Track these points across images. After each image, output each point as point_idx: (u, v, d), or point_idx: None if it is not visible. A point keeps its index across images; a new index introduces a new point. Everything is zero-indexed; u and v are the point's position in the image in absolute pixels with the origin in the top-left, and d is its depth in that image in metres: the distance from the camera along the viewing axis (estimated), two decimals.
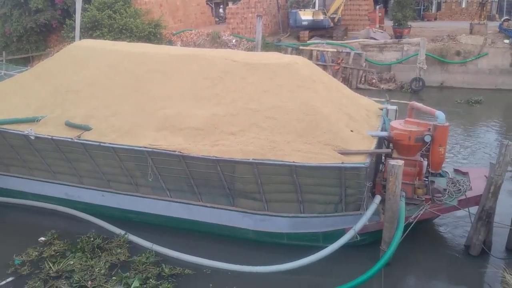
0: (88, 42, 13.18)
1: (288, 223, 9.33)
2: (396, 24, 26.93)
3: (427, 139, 8.97)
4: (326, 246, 8.63)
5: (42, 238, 9.83)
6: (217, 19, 37.33)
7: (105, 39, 21.40)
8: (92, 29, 25.07)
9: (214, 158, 8.64)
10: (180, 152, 8.80)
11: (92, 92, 10.47)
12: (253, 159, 8.52)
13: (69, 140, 9.56)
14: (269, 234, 9.44)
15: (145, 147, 9.06)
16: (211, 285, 8.43)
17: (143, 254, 9.12)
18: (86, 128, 9.75)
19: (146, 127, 9.51)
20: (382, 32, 27.03)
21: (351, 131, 9.23)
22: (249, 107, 9.34)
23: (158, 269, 8.73)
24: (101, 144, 9.33)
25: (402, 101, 12.36)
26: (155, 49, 12.16)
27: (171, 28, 28.96)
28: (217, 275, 8.69)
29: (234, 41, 27.59)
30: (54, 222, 10.54)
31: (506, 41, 24.74)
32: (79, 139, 9.52)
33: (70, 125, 9.86)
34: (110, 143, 9.31)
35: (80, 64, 11.20)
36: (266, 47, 25.17)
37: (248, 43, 27.00)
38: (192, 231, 9.88)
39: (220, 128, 9.12)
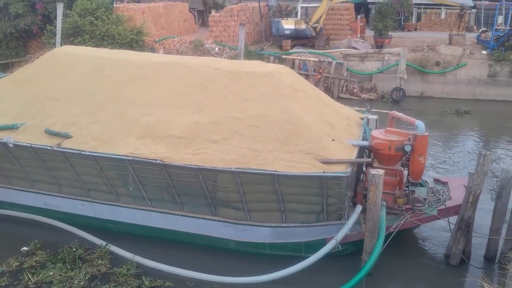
0: (69, 49, 13.05)
1: (270, 233, 9.29)
2: (377, 34, 27.28)
3: (407, 148, 9.06)
4: (308, 256, 8.61)
5: (25, 248, 9.64)
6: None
7: (87, 46, 21.20)
8: (73, 36, 24.79)
9: (196, 167, 8.58)
10: (162, 161, 8.72)
11: (73, 99, 10.34)
12: (235, 168, 8.48)
13: (49, 148, 9.41)
14: (251, 244, 9.39)
15: (126, 156, 8.96)
16: None
17: (124, 266, 8.97)
18: (66, 136, 9.60)
19: (127, 135, 9.41)
20: (363, 42, 27.31)
21: (333, 140, 9.27)
22: (231, 115, 9.32)
23: (138, 281, 8.58)
24: (82, 152, 9.20)
25: (383, 111, 12.48)
26: (137, 56, 12.09)
27: (154, 36, 28.82)
28: (198, 287, 8.58)
29: (217, 49, 27.58)
30: (39, 231, 10.32)
31: (484, 52, 25.27)
32: (59, 147, 9.37)
33: (50, 133, 9.70)
34: (90, 152, 9.19)
35: (61, 71, 11.07)
36: (249, 55, 25.24)
37: (231, 51, 27.03)
38: (173, 241, 9.76)
39: (202, 136, 9.07)
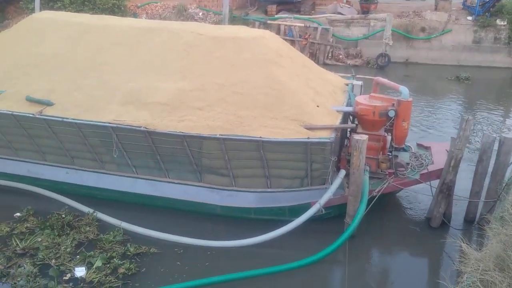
0: (49, 14, 12.69)
1: (255, 198, 9.41)
2: None
3: (391, 114, 9.13)
4: (292, 220, 8.77)
5: (18, 214, 9.64)
6: None
7: (67, 11, 20.65)
8: (53, 0, 24.08)
9: (181, 133, 8.57)
10: (146, 128, 8.68)
11: (54, 65, 10.13)
12: (220, 134, 8.49)
13: (31, 116, 9.28)
14: (237, 209, 9.51)
15: (109, 123, 8.90)
16: (178, 263, 8.44)
17: (111, 232, 9.02)
18: (48, 103, 9.46)
19: (110, 102, 9.30)
20: (349, 7, 27.01)
21: (317, 106, 9.29)
22: (216, 82, 9.25)
23: (123, 248, 8.65)
24: (64, 119, 9.10)
25: (367, 77, 12.48)
26: (119, 21, 11.82)
27: (136, 1, 28.13)
28: (184, 253, 8.70)
29: (201, 14, 27.09)
30: (34, 200, 10.22)
31: (469, 18, 25.19)
32: (41, 115, 9.25)
33: (31, 100, 9.54)
34: (73, 119, 9.09)
35: (40, 37, 10.80)
36: (234, 21, 24.85)
37: (215, 17, 26.58)
38: (159, 208, 9.83)
39: (187, 103, 9.01)
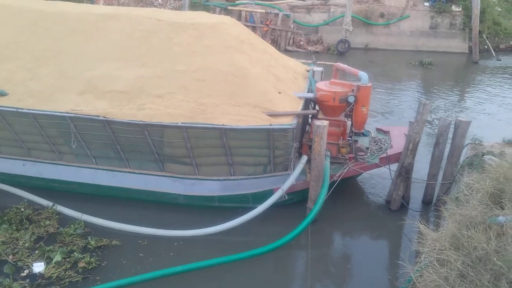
0: (3, 0, 12.13)
1: (219, 186, 9.40)
2: None
3: (351, 99, 9.27)
4: (256, 207, 8.82)
5: None
6: None
7: None
8: None
9: (141, 122, 8.43)
10: (105, 117, 8.49)
11: (7, 54, 9.71)
12: (182, 122, 8.40)
13: None
14: (200, 198, 9.48)
15: (67, 113, 8.65)
16: (141, 254, 8.35)
17: (72, 225, 8.82)
18: (2, 94, 9.09)
19: (67, 91, 9.04)
20: None
21: (279, 92, 9.32)
22: (176, 69, 9.12)
23: (84, 241, 8.47)
24: (19, 110, 8.77)
25: (328, 63, 12.61)
26: (76, 8, 11.43)
27: None
28: (148, 244, 8.61)
29: (160, 0, 26.59)
30: None
31: (426, 3, 25.79)
32: None
33: None
34: (28, 109, 8.77)
35: None
36: (194, 6, 24.55)
37: (175, 2, 26.19)
38: (121, 199, 9.69)
39: (147, 91, 8.86)
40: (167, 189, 9.47)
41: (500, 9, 26.74)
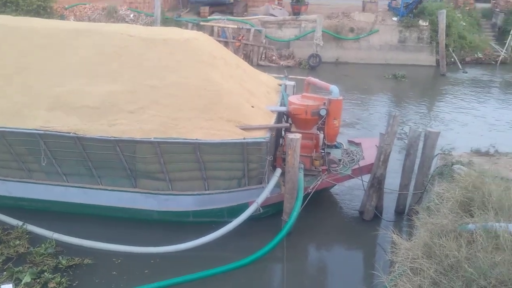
0: None
1: (193, 201, 9.34)
2: (294, 1, 27.48)
3: (323, 112, 9.39)
4: (231, 221, 8.77)
5: None
6: None
7: None
8: None
9: (113, 138, 8.33)
10: (75, 133, 8.37)
11: None
12: (154, 138, 8.34)
13: None
14: (174, 214, 9.39)
15: (36, 130, 8.49)
16: (114, 272, 8.19)
17: (43, 245, 8.57)
18: None
19: (36, 108, 8.87)
20: (281, 9, 27.47)
21: (252, 106, 9.37)
22: (148, 84, 9.07)
23: (55, 261, 8.22)
24: None
25: (299, 77, 12.76)
26: (45, 23, 11.31)
27: (63, 2, 27.04)
28: (121, 262, 8.45)
29: (132, 16, 26.49)
30: None
31: (395, 18, 26.42)
32: None
33: None
34: None
35: None
36: (166, 22, 24.52)
37: (146, 18, 26.08)
38: (93, 216, 9.50)
39: (118, 106, 8.77)
40: (140, 205, 9.34)
41: (464, 24, 27.56)
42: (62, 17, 25.16)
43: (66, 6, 26.84)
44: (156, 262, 8.48)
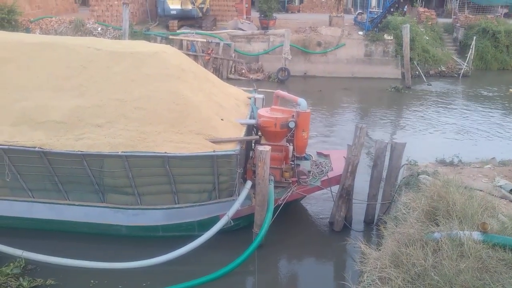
0: None
1: (163, 215, 9.24)
2: (262, 15, 27.86)
3: (291, 125, 9.49)
4: (202, 234, 8.72)
5: None
6: None
7: None
8: None
9: (80, 153, 8.19)
10: (41, 148, 8.19)
11: None
12: (122, 152, 8.25)
13: None
14: (144, 228, 9.27)
15: (0, 145, 8.26)
16: None
17: (11, 264, 8.30)
18: None
19: (0, 123, 8.64)
20: (249, 23, 27.75)
21: (222, 119, 9.39)
22: (116, 98, 8.97)
23: (17, 282, 7.94)
24: None
25: (268, 90, 12.88)
26: (8, 36, 11.07)
27: (28, 15, 26.58)
28: (89, 279, 8.26)
29: (99, 29, 26.25)
30: None
31: (360, 33, 27.07)
32: None
33: None
34: None
35: None
36: (134, 36, 24.42)
37: (115, 32, 25.91)
38: (60, 232, 9.29)
39: (85, 121, 8.64)
40: (109, 220, 9.18)
41: (427, 38, 28.45)
42: (27, 30, 24.73)
43: (32, 19, 26.37)
44: (124, 278, 8.32)
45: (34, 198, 9.18)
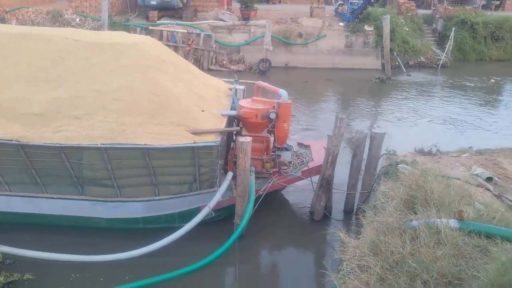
0: None
1: (143, 207, 9.20)
2: (243, 6, 27.68)
3: (272, 116, 9.50)
4: (183, 226, 8.71)
5: None
6: None
7: None
8: None
9: (58, 145, 8.09)
10: (18, 141, 8.06)
11: None
12: (101, 144, 8.17)
13: None
14: (124, 221, 9.21)
15: None
16: (62, 287, 7.94)
17: None
18: None
19: None
20: (230, 14, 27.59)
21: (202, 110, 9.34)
22: (94, 89, 8.86)
23: None
24: None
25: (249, 81, 12.84)
26: None
27: (4, 5, 25.98)
28: (68, 273, 8.20)
29: (78, 20, 25.80)
30: None
31: (341, 24, 27.14)
32: None
33: None
34: None
35: None
36: (114, 26, 24.03)
37: (93, 23, 25.49)
38: (39, 226, 9.18)
39: (63, 112, 8.52)
40: (88, 213, 9.11)
41: (407, 29, 28.67)
42: (3, 21, 24.20)
43: (7, 9, 25.80)
44: (105, 271, 8.28)
45: (11, 191, 9.04)
